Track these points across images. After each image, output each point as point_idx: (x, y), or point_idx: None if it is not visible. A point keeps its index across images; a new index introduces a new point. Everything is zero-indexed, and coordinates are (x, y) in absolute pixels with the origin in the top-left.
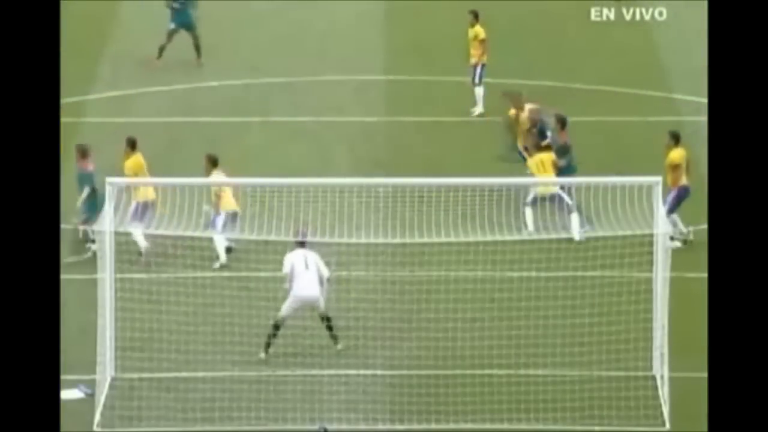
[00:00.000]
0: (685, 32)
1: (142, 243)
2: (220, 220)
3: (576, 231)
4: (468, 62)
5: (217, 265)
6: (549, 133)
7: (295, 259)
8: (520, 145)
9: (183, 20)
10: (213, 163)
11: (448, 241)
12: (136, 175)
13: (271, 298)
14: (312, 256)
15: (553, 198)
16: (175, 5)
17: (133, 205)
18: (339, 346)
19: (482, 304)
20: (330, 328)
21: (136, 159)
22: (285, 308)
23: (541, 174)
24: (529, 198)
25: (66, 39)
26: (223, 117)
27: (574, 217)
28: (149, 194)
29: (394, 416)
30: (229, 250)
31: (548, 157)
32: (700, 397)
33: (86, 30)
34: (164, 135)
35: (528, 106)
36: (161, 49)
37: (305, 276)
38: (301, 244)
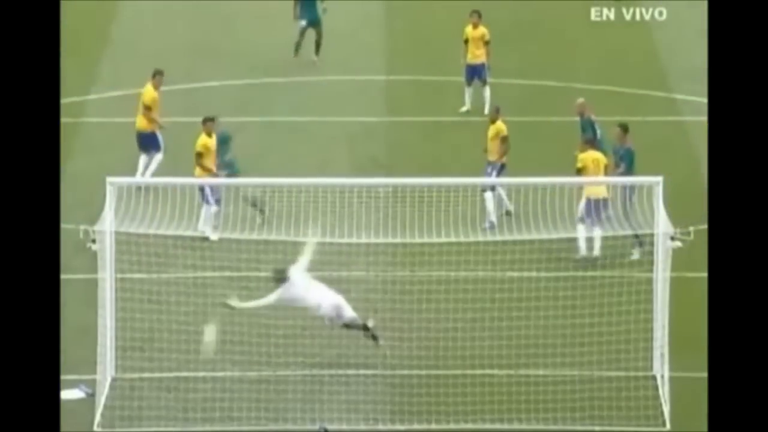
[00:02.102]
0: (685, 32)
1: None
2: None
3: (596, 248)
4: (462, 61)
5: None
6: (597, 131)
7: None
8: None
9: (311, 16)
10: (204, 122)
11: (448, 241)
12: (201, 152)
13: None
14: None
15: (598, 204)
16: None
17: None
18: (381, 343)
19: (482, 304)
20: (366, 328)
21: (202, 139)
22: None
23: (592, 174)
24: (581, 205)
25: (66, 39)
26: (223, 117)
27: (597, 233)
28: None
29: (394, 416)
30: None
31: (602, 158)
32: (700, 397)
33: (86, 30)
34: (164, 135)
35: (579, 100)
36: (297, 46)
37: (312, 289)
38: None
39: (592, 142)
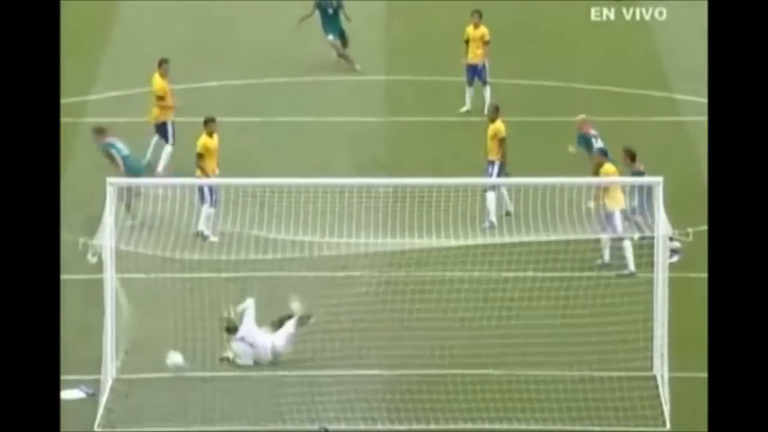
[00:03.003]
0: (685, 32)
1: None
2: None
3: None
4: (462, 61)
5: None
6: (596, 144)
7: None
8: (489, 157)
9: (336, 30)
10: (205, 123)
11: (447, 245)
12: (201, 153)
13: (267, 297)
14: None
15: (626, 216)
16: (330, 11)
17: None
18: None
19: (482, 303)
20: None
21: (203, 139)
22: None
23: (614, 188)
24: (616, 218)
25: (66, 39)
26: (222, 117)
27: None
28: None
29: (393, 416)
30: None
31: (616, 171)
32: (700, 397)
33: (86, 30)
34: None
35: (579, 116)
36: (346, 57)
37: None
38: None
39: (606, 154)
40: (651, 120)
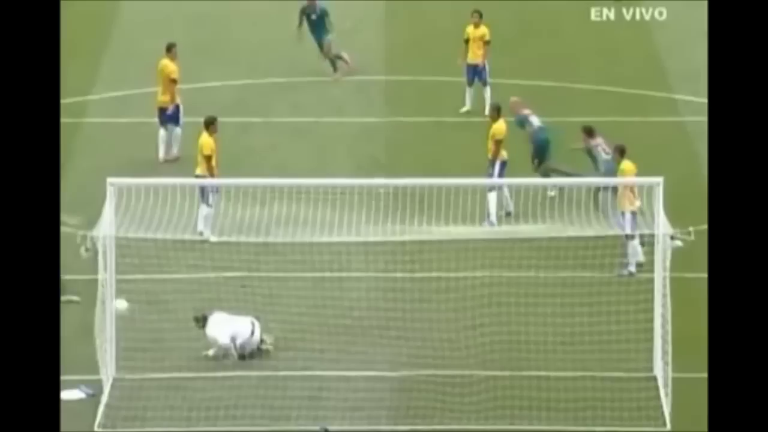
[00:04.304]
0: (685, 32)
1: None
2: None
3: (632, 263)
4: (461, 61)
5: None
6: (534, 124)
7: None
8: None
9: (322, 36)
10: (207, 124)
11: (448, 239)
12: (211, 155)
13: (267, 295)
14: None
15: (634, 216)
16: (313, 17)
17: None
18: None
19: (482, 301)
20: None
21: (205, 139)
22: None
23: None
24: (628, 219)
25: (66, 39)
26: (223, 117)
27: (636, 246)
28: None
29: (393, 416)
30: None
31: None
32: (700, 397)
33: (86, 30)
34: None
35: (512, 99)
36: (341, 58)
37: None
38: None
39: (623, 153)
40: (651, 120)
